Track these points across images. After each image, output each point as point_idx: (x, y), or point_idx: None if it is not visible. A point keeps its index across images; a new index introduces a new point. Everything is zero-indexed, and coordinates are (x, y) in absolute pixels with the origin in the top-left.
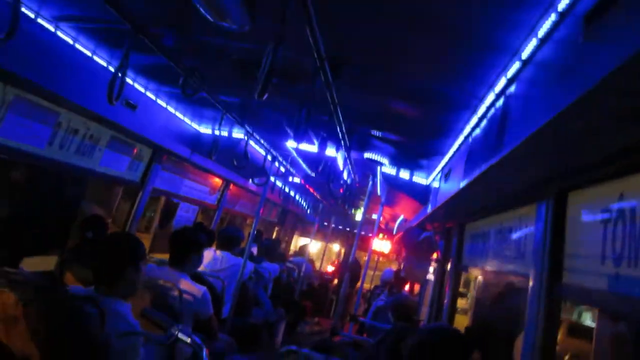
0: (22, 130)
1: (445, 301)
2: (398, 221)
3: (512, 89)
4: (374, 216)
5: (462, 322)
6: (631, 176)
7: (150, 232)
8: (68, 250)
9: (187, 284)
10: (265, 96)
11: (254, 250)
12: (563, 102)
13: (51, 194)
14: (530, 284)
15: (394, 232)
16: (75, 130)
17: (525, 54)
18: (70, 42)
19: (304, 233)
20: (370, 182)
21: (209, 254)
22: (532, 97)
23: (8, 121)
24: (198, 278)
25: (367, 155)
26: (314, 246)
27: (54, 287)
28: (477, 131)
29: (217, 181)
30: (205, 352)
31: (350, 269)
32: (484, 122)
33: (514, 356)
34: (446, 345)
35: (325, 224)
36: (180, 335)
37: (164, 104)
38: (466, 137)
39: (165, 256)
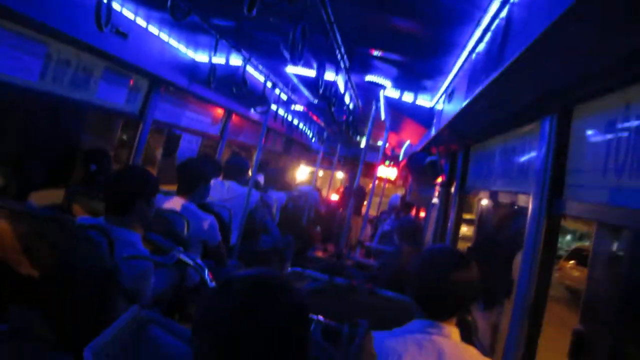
0: (13, 63)
1: (449, 224)
2: (404, 147)
3: None
4: (380, 143)
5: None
6: (638, 84)
7: (155, 165)
8: (74, 183)
9: (194, 213)
10: (255, 11)
11: (261, 179)
12: (566, 2)
13: (51, 128)
14: (531, 201)
15: (400, 159)
16: (67, 62)
17: None
18: None
19: (310, 162)
20: (374, 107)
21: (215, 184)
22: (537, 2)
23: None
24: (205, 208)
25: (368, 77)
26: (320, 174)
27: (62, 218)
28: (481, 46)
29: (219, 111)
30: (207, 273)
31: (354, 195)
32: (487, 36)
33: (512, 273)
34: (451, 265)
35: (330, 152)
36: (182, 257)
37: (156, 32)
38: (470, 53)
39: (170, 187)
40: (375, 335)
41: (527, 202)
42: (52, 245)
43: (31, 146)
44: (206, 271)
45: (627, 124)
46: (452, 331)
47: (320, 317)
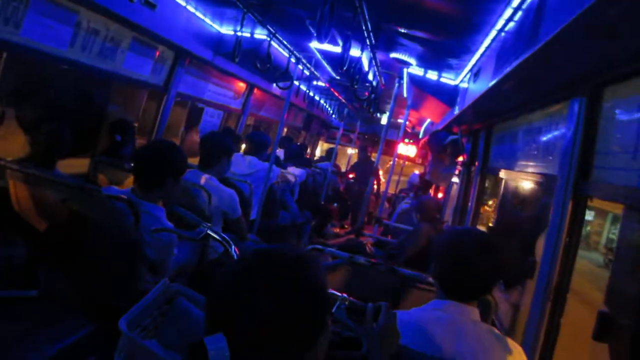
0: (44, 31)
1: (470, 204)
2: (424, 125)
3: None
4: (400, 120)
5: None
6: None
7: (178, 137)
8: (99, 153)
9: (215, 187)
10: None
11: (281, 155)
12: None
13: (78, 97)
14: (557, 183)
15: (420, 136)
16: (96, 31)
17: None
18: None
19: (330, 139)
20: (397, 84)
21: (236, 159)
22: None
23: (29, 21)
24: (226, 182)
25: (393, 55)
26: (340, 151)
27: (89, 188)
28: (511, 25)
29: (241, 85)
30: (234, 248)
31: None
32: (518, 14)
33: (535, 255)
34: (477, 251)
35: (350, 129)
36: (210, 232)
37: (183, 3)
38: (498, 32)
39: (192, 160)
40: (398, 314)
41: (552, 183)
42: (79, 214)
43: (58, 115)
44: (233, 246)
45: None
46: (472, 311)
47: (345, 295)
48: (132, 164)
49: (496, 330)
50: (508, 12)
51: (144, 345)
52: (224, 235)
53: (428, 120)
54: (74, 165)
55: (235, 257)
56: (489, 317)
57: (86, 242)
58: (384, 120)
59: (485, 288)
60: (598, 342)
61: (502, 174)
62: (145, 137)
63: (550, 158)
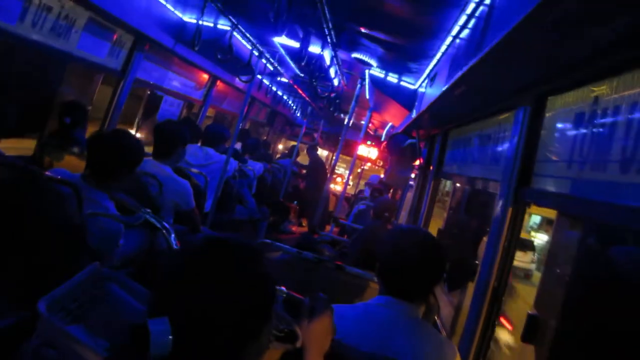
0: None
1: (423, 206)
2: (387, 128)
3: None
4: (362, 122)
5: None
6: (607, 79)
7: (133, 125)
8: (47, 134)
9: (168, 176)
10: None
11: (238, 148)
12: None
13: (28, 75)
14: (499, 188)
15: (382, 139)
16: (48, 8)
17: None
18: None
19: (292, 136)
20: (359, 85)
21: (193, 149)
22: None
23: None
24: (181, 172)
25: (355, 55)
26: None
27: (32, 169)
28: (465, 31)
29: (204, 76)
30: (173, 236)
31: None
32: (471, 22)
33: (478, 256)
34: (418, 250)
35: (313, 127)
36: (149, 218)
37: None
38: (454, 38)
39: (148, 149)
40: (336, 307)
41: (495, 188)
42: (19, 195)
43: (4, 91)
44: (173, 235)
45: (593, 118)
46: (413, 309)
47: (283, 288)
48: (87, 152)
49: (431, 328)
50: (462, 18)
51: (64, 330)
52: (165, 224)
53: (390, 124)
54: (19, 147)
55: (174, 245)
56: (431, 318)
57: (23, 226)
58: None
59: (427, 287)
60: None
61: (454, 178)
62: (98, 123)
63: (497, 164)
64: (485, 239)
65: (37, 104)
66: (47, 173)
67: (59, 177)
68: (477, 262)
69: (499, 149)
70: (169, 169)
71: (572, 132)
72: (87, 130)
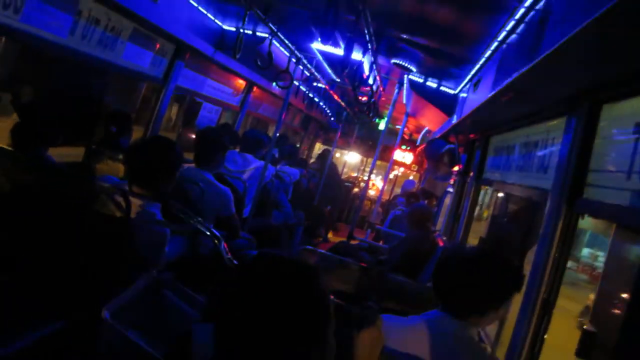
0: (44, 17)
1: (463, 214)
2: (422, 133)
3: None
4: (398, 127)
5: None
6: None
7: (175, 131)
8: (95, 142)
9: (210, 183)
10: None
11: (275, 153)
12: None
13: (76, 86)
14: (550, 198)
15: (418, 144)
16: (96, 20)
17: None
18: None
19: (327, 141)
20: (397, 90)
21: (232, 155)
22: None
23: (29, 7)
24: (221, 178)
25: (394, 60)
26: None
27: (84, 175)
28: (513, 37)
29: (241, 82)
30: (223, 244)
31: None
32: (520, 27)
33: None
34: (461, 268)
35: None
36: (200, 226)
37: None
38: (500, 43)
39: (188, 155)
40: (386, 318)
41: (545, 198)
42: (71, 201)
43: (55, 102)
44: (222, 242)
45: None
46: (462, 326)
47: (331, 297)
48: (127, 160)
49: (483, 351)
50: (510, 23)
51: (126, 335)
52: (214, 231)
53: (426, 128)
54: (69, 155)
55: (225, 254)
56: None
57: (75, 231)
58: (382, 126)
59: (479, 306)
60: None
61: (497, 185)
62: (142, 128)
63: (545, 172)
64: (532, 249)
65: (85, 113)
66: (97, 180)
67: (109, 184)
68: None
69: (548, 156)
70: (210, 175)
71: (630, 142)
72: (132, 137)
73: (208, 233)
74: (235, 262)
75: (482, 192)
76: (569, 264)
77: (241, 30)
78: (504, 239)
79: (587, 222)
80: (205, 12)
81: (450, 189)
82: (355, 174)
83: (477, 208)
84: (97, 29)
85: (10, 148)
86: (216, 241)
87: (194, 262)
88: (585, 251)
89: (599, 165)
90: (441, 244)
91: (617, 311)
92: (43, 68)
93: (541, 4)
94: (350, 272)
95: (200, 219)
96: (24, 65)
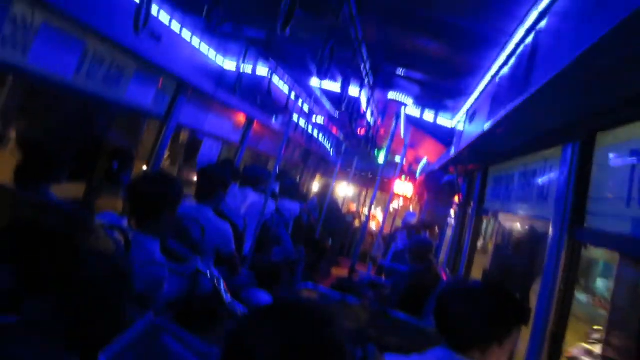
0: (51, 57)
1: (465, 245)
2: (421, 164)
3: (543, 23)
4: (397, 159)
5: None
6: None
7: (175, 165)
8: (97, 179)
9: (210, 220)
10: (288, 30)
11: (276, 188)
12: (595, 35)
13: (80, 122)
14: (551, 228)
15: (417, 175)
16: (101, 60)
17: None
18: None
19: (326, 174)
20: (394, 123)
21: (232, 191)
22: (564, 31)
23: (37, 47)
24: (221, 214)
25: (391, 95)
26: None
27: (83, 213)
28: (505, 70)
29: (241, 118)
30: (222, 284)
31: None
32: (512, 60)
33: (529, 300)
34: (460, 301)
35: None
36: (200, 267)
37: (188, 37)
38: (493, 77)
39: (188, 190)
40: (389, 357)
41: (546, 228)
42: (70, 240)
43: (59, 139)
44: (222, 282)
45: None
46: None
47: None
48: (127, 196)
49: None
50: (502, 57)
51: None
52: (214, 271)
53: (425, 159)
54: (69, 190)
55: (224, 294)
56: None
57: (73, 270)
58: (381, 158)
59: (479, 339)
60: None
61: (497, 215)
62: (144, 163)
63: (545, 202)
64: (537, 281)
65: (88, 149)
66: (96, 217)
67: (108, 221)
68: (528, 305)
69: (547, 185)
70: (210, 212)
71: (627, 169)
72: (132, 173)
73: (208, 275)
74: (236, 304)
75: (484, 223)
76: (584, 297)
77: (241, 68)
78: (507, 270)
79: (598, 252)
80: (206, 50)
81: (452, 220)
82: (355, 207)
83: (480, 239)
84: (102, 68)
85: (11, 185)
86: (216, 282)
87: (193, 302)
88: (600, 283)
89: (598, 193)
90: (444, 277)
91: (630, 338)
92: (48, 105)
93: (530, 38)
94: (353, 309)
95: (198, 258)
96: (30, 102)
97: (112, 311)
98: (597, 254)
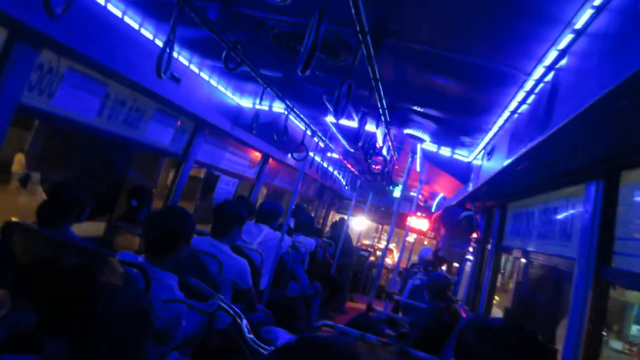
0: (74, 101)
1: (484, 283)
2: (437, 199)
3: (564, 62)
4: (412, 193)
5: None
6: None
7: (193, 202)
8: (116, 217)
9: (227, 255)
10: (309, 72)
11: (291, 224)
12: (619, 76)
13: (101, 163)
14: (577, 267)
15: (433, 210)
16: (122, 102)
17: (579, 25)
18: (119, 14)
19: (341, 209)
20: (410, 159)
21: (248, 227)
22: (585, 70)
23: (61, 92)
24: (238, 250)
25: (407, 131)
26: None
27: (104, 253)
28: (524, 107)
29: (257, 155)
30: (245, 321)
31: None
32: (531, 98)
33: (555, 342)
34: (481, 340)
35: (362, 200)
36: (222, 305)
37: (206, 77)
38: (511, 114)
39: (206, 227)
40: None
41: (570, 266)
42: (91, 276)
43: (81, 179)
44: (244, 320)
45: None
46: None
47: None
48: (143, 232)
49: None
50: (521, 94)
51: None
52: (235, 308)
53: (441, 195)
54: (89, 230)
55: (246, 331)
56: None
57: (95, 308)
58: (397, 193)
59: None
60: None
61: (517, 253)
62: (162, 201)
63: (569, 240)
64: (562, 321)
65: (108, 188)
66: (117, 256)
67: (128, 260)
68: (554, 346)
69: (570, 223)
70: (227, 248)
71: None
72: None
73: (230, 311)
74: (257, 342)
75: (503, 259)
76: (618, 344)
77: (257, 107)
78: (529, 309)
79: (634, 295)
80: (224, 90)
81: (470, 257)
82: (367, 242)
83: (500, 277)
84: (123, 110)
85: (33, 224)
86: (238, 319)
87: (211, 338)
88: (635, 329)
89: (624, 232)
90: (464, 315)
91: None
92: (71, 147)
93: (550, 77)
94: (372, 348)
95: (221, 296)
96: (53, 145)
97: (132, 347)
98: (633, 297)
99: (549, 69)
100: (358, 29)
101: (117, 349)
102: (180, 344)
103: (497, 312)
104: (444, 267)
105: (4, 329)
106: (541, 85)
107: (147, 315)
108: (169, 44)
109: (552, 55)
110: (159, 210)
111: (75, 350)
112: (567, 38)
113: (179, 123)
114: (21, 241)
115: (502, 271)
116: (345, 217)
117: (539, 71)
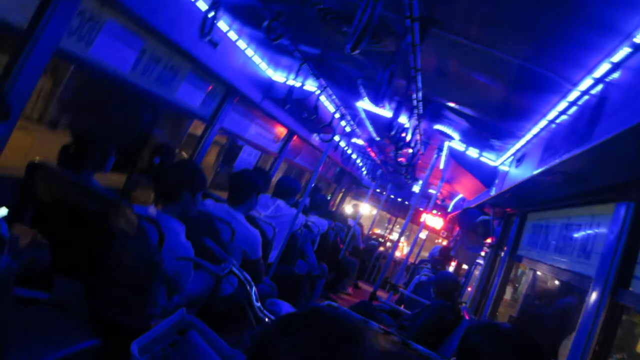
0: (111, 52)
1: (492, 289)
2: (455, 199)
3: (616, 75)
4: (431, 190)
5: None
6: None
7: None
8: (137, 171)
9: (241, 224)
10: (357, 51)
11: (307, 203)
12: None
13: (128, 116)
14: (592, 286)
15: (449, 210)
16: (158, 59)
17: (639, 39)
18: None
19: (357, 196)
20: (435, 156)
21: (264, 200)
22: (639, 86)
23: (100, 41)
24: (252, 221)
25: (437, 126)
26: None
27: (123, 204)
28: (563, 118)
29: (282, 130)
30: (254, 289)
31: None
32: (573, 109)
33: (557, 356)
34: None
35: (379, 190)
36: (234, 270)
37: (243, 46)
38: (549, 123)
39: (223, 194)
40: None
41: (585, 284)
42: (109, 226)
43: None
44: (254, 288)
45: None
46: None
47: None
48: (154, 179)
49: None
50: (562, 104)
51: None
52: (246, 274)
53: (460, 196)
54: (110, 180)
55: (255, 299)
56: None
57: (108, 256)
58: (415, 188)
59: None
60: None
61: (532, 264)
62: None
63: (587, 259)
64: (567, 337)
65: (133, 142)
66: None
67: (144, 214)
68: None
69: (592, 242)
70: (241, 216)
71: None
72: None
73: (241, 276)
74: (264, 310)
75: (515, 271)
76: None
77: (290, 82)
78: (536, 321)
79: None
80: (258, 61)
81: (481, 261)
82: (379, 231)
83: (509, 285)
84: (157, 67)
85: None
86: (248, 286)
87: (214, 304)
88: None
89: None
90: (466, 317)
91: None
92: (102, 96)
93: (598, 89)
94: (373, 334)
95: (234, 261)
96: (85, 92)
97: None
98: None
99: (597, 81)
100: (408, 14)
101: (126, 296)
102: (185, 303)
103: (500, 319)
104: (451, 267)
105: (21, 263)
106: (586, 97)
107: (159, 268)
108: (214, 6)
109: (604, 67)
110: (173, 163)
111: (84, 295)
112: (624, 51)
113: (210, 88)
114: (44, 182)
115: (512, 280)
116: (360, 203)
117: (586, 82)
